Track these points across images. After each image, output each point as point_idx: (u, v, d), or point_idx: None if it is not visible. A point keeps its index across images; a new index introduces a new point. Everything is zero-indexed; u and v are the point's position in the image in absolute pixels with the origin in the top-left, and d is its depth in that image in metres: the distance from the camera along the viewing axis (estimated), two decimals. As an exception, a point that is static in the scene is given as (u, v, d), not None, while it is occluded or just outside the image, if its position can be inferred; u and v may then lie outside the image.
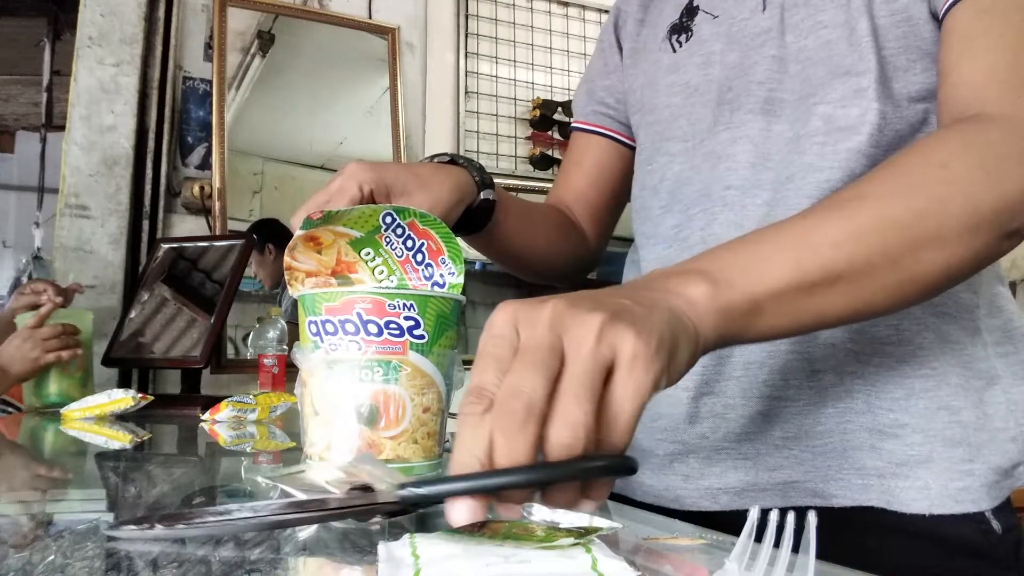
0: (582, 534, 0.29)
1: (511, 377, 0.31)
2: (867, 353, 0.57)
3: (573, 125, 0.86)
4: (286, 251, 0.55)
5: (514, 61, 2.37)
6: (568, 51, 2.45)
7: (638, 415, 0.32)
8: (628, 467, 0.34)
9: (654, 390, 0.33)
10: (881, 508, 0.55)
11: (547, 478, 0.32)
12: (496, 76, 2.33)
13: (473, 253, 0.79)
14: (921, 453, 0.55)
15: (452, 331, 0.53)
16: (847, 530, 0.55)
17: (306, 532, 0.38)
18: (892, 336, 0.57)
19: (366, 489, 0.37)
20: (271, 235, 1.83)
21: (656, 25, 0.75)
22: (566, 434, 0.31)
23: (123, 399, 1.11)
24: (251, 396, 1.10)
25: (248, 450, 0.84)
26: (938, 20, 0.56)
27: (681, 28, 0.71)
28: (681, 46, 0.70)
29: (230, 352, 1.86)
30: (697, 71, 0.68)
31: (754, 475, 0.60)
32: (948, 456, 0.55)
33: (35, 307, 1.36)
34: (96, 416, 1.10)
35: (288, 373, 1.49)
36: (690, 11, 0.71)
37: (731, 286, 0.40)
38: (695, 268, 0.41)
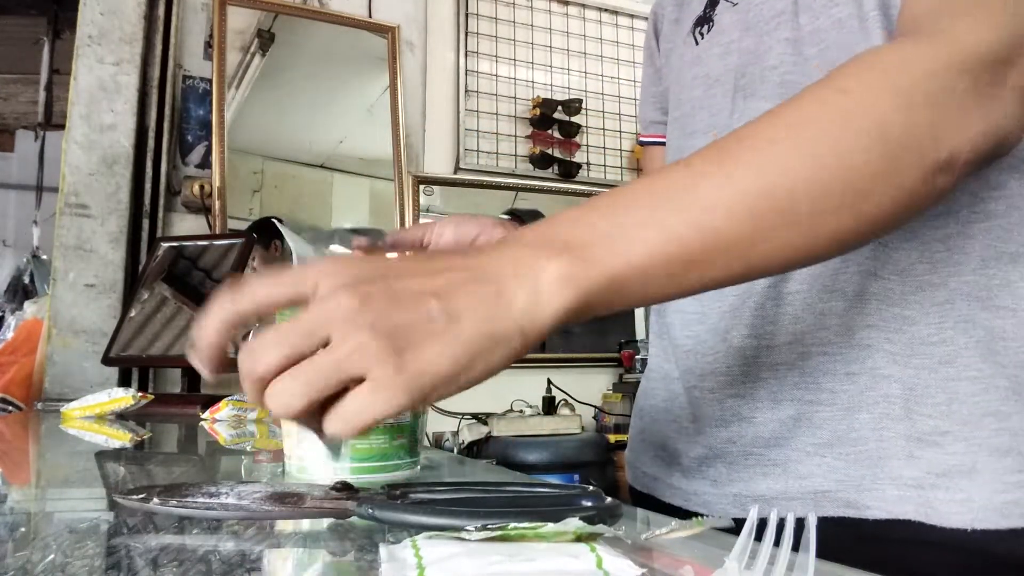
0: (584, 537, 0.29)
1: (274, 334, 0.33)
2: (905, 354, 0.53)
3: (639, 140, 0.86)
4: None
5: (514, 60, 2.37)
6: (568, 50, 2.45)
7: (358, 430, 0.33)
8: (610, 514, 0.35)
9: (391, 414, 0.33)
10: (919, 521, 0.51)
11: (510, 516, 0.32)
12: (496, 75, 2.33)
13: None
14: (964, 463, 0.50)
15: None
16: (882, 543, 0.52)
17: (306, 531, 0.38)
18: (933, 335, 0.53)
19: (347, 488, 0.37)
20: (272, 234, 1.83)
21: (686, 21, 0.74)
22: (276, 404, 0.33)
23: (123, 398, 1.11)
24: (251, 395, 1.10)
25: (248, 449, 0.84)
26: None
27: (704, 19, 0.70)
28: (703, 38, 0.69)
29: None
30: (717, 61, 0.66)
31: (784, 483, 0.56)
32: (994, 466, 0.50)
33: None
34: (96, 415, 1.10)
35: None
36: (713, 2, 0.69)
37: (592, 263, 0.36)
38: (556, 239, 0.37)
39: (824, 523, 0.56)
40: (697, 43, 0.70)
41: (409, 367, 0.32)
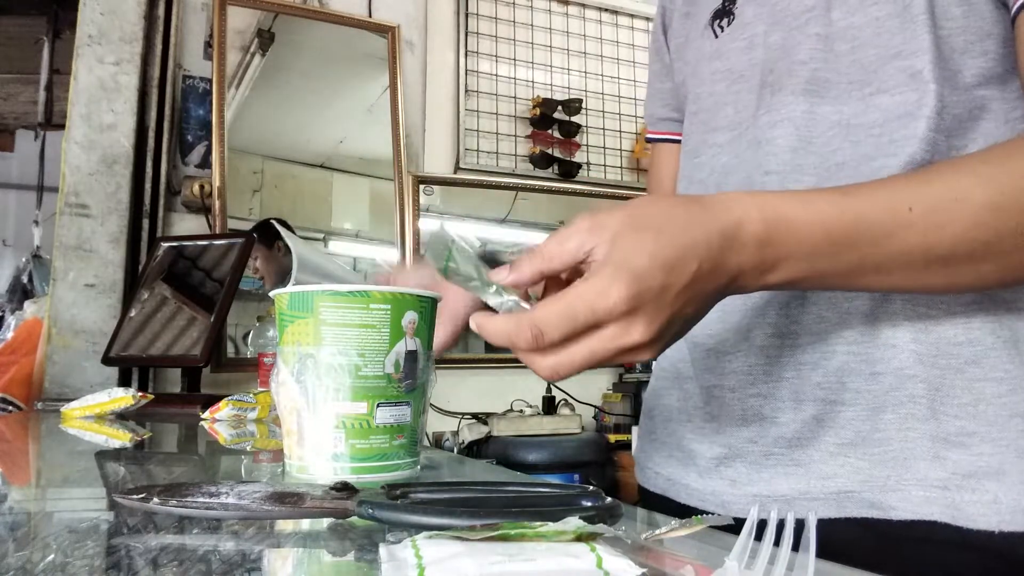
0: (584, 536, 0.29)
1: (562, 320, 0.41)
2: (932, 354, 0.53)
3: (647, 137, 0.85)
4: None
5: (514, 59, 2.37)
6: (568, 49, 2.45)
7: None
8: (610, 514, 0.35)
9: None
10: (945, 523, 0.50)
11: (511, 517, 0.32)
12: (496, 75, 2.33)
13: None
14: (990, 464, 0.50)
15: (290, 328, 0.52)
16: (907, 544, 0.51)
17: (306, 531, 0.38)
18: (960, 336, 0.53)
19: (347, 488, 0.37)
20: (273, 235, 1.83)
21: (699, 14, 0.72)
22: (554, 370, 0.42)
23: (123, 398, 1.11)
24: (251, 395, 1.10)
25: (248, 449, 0.84)
26: (1004, 6, 0.53)
27: (723, 12, 0.68)
28: (723, 31, 0.67)
29: (230, 351, 1.86)
30: (740, 56, 0.65)
31: (806, 483, 0.56)
32: (1021, 468, 0.50)
33: None
34: (96, 415, 1.10)
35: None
36: None
37: (783, 271, 0.45)
38: (771, 253, 0.44)
39: (848, 524, 0.56)
40: (716, 36, 0.68)
41: (663, 349, 0.44)
